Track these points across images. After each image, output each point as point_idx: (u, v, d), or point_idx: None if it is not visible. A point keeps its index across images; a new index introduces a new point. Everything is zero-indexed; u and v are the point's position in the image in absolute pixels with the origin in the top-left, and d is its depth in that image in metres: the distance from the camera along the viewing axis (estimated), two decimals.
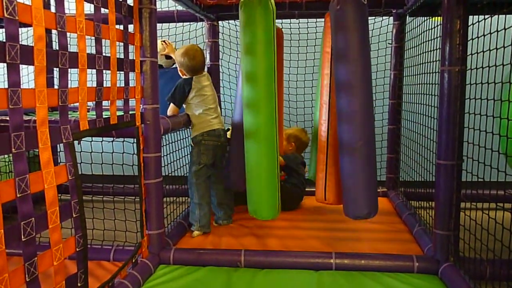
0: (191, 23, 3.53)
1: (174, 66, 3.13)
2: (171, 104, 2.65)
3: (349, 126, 2.10)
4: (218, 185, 2.79)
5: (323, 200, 2.42)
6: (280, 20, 3.22)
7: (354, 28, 2.06)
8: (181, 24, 3.58)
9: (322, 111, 2.41)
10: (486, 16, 1.83)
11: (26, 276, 1.24)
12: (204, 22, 3.35)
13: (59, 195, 1.40)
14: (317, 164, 2.45)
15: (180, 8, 3.10)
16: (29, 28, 1.29)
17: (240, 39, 2.25)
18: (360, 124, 2.09)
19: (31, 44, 1.27)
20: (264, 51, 2.18)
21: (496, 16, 1.73)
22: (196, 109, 2.63)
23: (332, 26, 2.16)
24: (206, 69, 2.80)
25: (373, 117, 2.18)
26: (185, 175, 2.99)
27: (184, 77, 2.70)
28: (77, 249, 1.52)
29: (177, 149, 2.85)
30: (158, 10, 2.17)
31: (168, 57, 3.04)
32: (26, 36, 1.64)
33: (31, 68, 1.26)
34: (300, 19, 3.51)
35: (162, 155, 2.24)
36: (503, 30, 1.62)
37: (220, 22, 3.38)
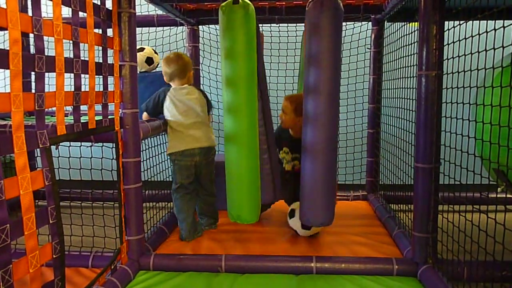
0: (171, 27, 3.52)
1: (154, 70, 3.12)
2: (144, 112, 2.60)
3: (313, 129, 2.13)
4: (204, 197, 2.73)
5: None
6: (260, 25, 3.23)
7: (326, 33, 2.07)
8: (161, 28, 3.56)
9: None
10: (461, 22, 1.86)
11: (1, 284, 1.21)
12: (184, 27, 3.35)
13: (37, 201, 1.37)
14: None
15: (160, 12, 3.08)
16: (5, 32, 1.26)
17: (220, 43, 2.23)
18: (323, 128, 2.11)
19: (6, 48, 1.24)
20: (245, 55, 2.14)
21: (471, 21, 1.76)
22: (171, 123, 2.56)
23: (306, 30, 2.18)
24: (191, 82, 2.67)
25: (337, 122, 2.23)
26: (166, 180, 2.97)
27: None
28: (54, 256, 1.49)
29: (157, 154, 2.83)
30: (137, 14, 2.16)
31: (149, 62, 3.02)
32: (2, 39, 1.62)
33: (7, 72, 1.24)
34: (280, 24, 3.53)
35: (142, 160, 2.23)
36: (478, 36, 1.65)
37: (200, 26, 3.38)
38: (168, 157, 2.64)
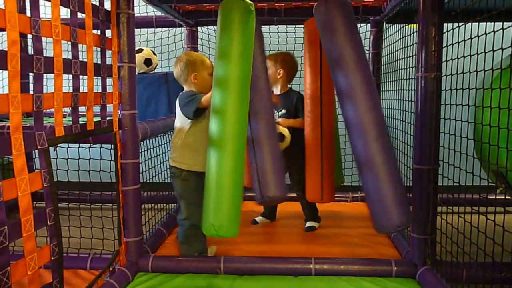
0: (170, 28, 3.52)
1: (153, 72, 3.12)
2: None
3: (361, 139, 1.92)
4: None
5: (320, 200, 2.48)
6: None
7: (348, 30, 1.97)
8: (160, 29, 3.56)
9: (309, 119, 2.43)
10: (460, 24, 1.86)
11: None
12: (183, 28, 3.34)
13: (35, 202, 1.37)
14: (307, 167, 2.47)
15: (158, 13, 3.08)
16: (3, 32, 1.26)
17: (216, 42, 2.09)
18: (373, 134, 1.90)
19: (5, 49, 1.24)
20: (240, 56, 1.99)
21: (470, 23, 1.76)
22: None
23: (321, 30, 2.06)
24: None
25: (384, 123, 1.99)
26: (164, 181, 2.97)
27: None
28: (52, 258, 1.48)
29: (155, 155, 2.83)
30: (136, 15, 2.16)
31: (148, 63, 3.02)
32: (0, 40, 1.62)
33: (5, 73, 1.24)
34: (279, 25, 3.53)
35: (140, 161, 2.22)
36: (477, 37, 1.65)
37: (199, 27, 3.37)
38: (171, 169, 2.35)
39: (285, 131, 2.54)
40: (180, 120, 2.28)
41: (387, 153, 1.88)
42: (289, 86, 2.81)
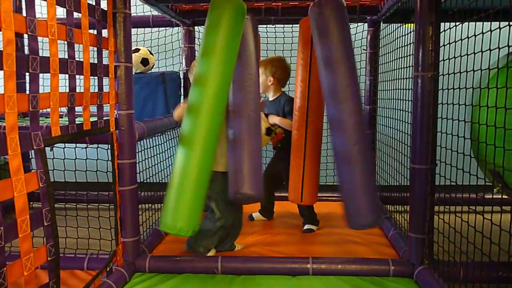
0: (167, 28, 3.51)
1: (150, 71, 3.11)
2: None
3: (343, 134, 1.96)
4: None
5: (299, 201, 2.44)
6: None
7: (339, 32, 2.01)
8: (156, 29, 3.55)
9: (296, 117, 2.43)
10: (457, 23, 1.86)
11: None
12: (180, 27, 3.34)
13: (31, 203, 1.36)
14: (291, 167, 2.46)
15: (155, 13, 3.08)
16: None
17: (202, 40, 2.06)
18: (353, 131, 1.94)
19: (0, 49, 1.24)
20: (222, 54, 1.96)
21: (467, 23, 1.76)
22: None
23: (314, 31, 2.09)
24: None
25: (365, 123, 2.14)
26: (161, 181, 2.96)
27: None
28: (49, 259, 1.48)
29: (152, 155, 2.82)
30: (133, 14, 2.15)
31: (145, 63, 3.01)
32: None
33: (1, 73, 1.23)
34: (276, 25, 3.53)
35: (137, 161, 2.21)
36: (474, 37, 1.66)
37: (196, 27, 3.37)
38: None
39: (274, 119, 2.61)
40: None
41: (365, 154, 1.94)
42: (283, 90, 2.83)
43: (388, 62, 2.95)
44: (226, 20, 1.99)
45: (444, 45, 1.94)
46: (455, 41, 1.81)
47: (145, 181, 2.65)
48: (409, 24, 2.44)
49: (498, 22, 1.54)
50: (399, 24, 2.71)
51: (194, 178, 1.89)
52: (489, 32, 1.54)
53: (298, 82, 2.44)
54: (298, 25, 3.47)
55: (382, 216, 1.97)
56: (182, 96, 3.27)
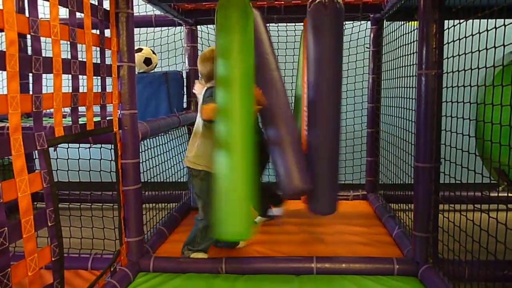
0: (170, 27, 3.50)
1: (153, 71, 3.11)
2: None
3: (316, 131, 2.22)
4: None
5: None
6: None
7: (328, 34, 2.08)
8: (159, 28, 3.55)
9: (304, 118, 2.42)
10: (461, 21, 1.85)
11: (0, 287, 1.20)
12: (182, 27, 3.33)
13: (35, 203, 1.36)
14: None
15: (158, 12, 3.07)
16: (2, 33, 1.25)
17: (216, 42, 2.03)
18: (326, 126, 2.20)
19: (3, 49, 1.23)
20: (241, 54, 1.95)
21: (471, 20, 1.75)
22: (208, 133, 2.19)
23: (308, 30, 2.17)
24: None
25: (339, 121, 2.27)
26: (165, 181, 2.96)
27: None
28: (53, 259, 1.48)
29: (156, 154, 2.82)
30: (135, 14, 2.15)
31: (147, 62, 3.01)
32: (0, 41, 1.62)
33: (5, 73, 1.23)
34: (279, 24, 3.52)
35: (141, 161, 2.21)
36: (478, 34, 1.65)
37: (198, 26, 3.36)
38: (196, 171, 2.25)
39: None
40: (198, 120, 2.23)
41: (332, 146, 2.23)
42: None
43: (391, 61, 2.94)
44: (238, 19, 1.98)
45: (448, 43, 1.93)
46: (459, 39, 1.80)
47: (148, 180, 2.65)
48: (413, 22, 2.43)
49: (502, 19, 1.53)
50: (402, 22, 2.70)
51: (238, 184, 1.87)
52: (494, 30, 1.52)
53: (304, 80, 2.44)
54: (301, 24, 3.49)
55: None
56: (185, 95, 3.27)
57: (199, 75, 2.37)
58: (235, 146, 1.88)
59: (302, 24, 3.46)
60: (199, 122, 2.24)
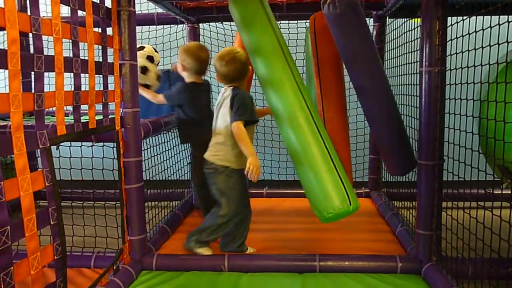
0: (172, 25, 3.50)
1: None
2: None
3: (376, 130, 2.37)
4: None
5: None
6: None
7: (362, 31, 2.11)
8: (161, 26, 3.55)
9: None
10: (465, 17, 1.84)
11: (2, 286, 1.20)
12: (184, 25, 3.33)
13: (38, 201, 1.36)
14: None
15: (160, 10, 3.07)
16: (4, 32, 1.25)
17: (246, 40, 2.20)
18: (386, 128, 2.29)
19: (4, 48, 1.23)
20: (282, 48, 2.13)
21: (474, 17, 1.74)
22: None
23: (335, 31, 2.16)
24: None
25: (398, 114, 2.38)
26: (167, 179, 2.96)
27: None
28: (56, 257, 1.48)
29: (158, 152, 2.82)
30: (137, 12, 2.15)
31: (149, 60, 2.99)
32: (2, 39, 1.61)
33: (7, 72, 1.23)
34: (281, 21, 3.50)
35: (143, 159, 2.21)
36: (481, 31, 1.64)
37: (201, 24, 3.36)
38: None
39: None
40: (228, 120, 2.23)
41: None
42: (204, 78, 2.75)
43: (394, 58, 2.93)
44: (260, 14, 2.06)
45: (451, 40, 1.92)
46: (463, 36, 1.79)
47: (151, 178, 2.65)
48: (416, 19, 2.42)
49: (506, 16, 1.52)
50: (405, 19, 2.69)
51: (322, 158, 1.99)
52: (498, 26, 1.52)
53: (317, 81, 2.43)
54: (303, 21, 3.48)
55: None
56: None
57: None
58: (298, 120, 2.01)
59: (304, 21, 3.47)
60: (223, 121, 2.25)
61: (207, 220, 2.32)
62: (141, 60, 2.61)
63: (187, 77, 2.63)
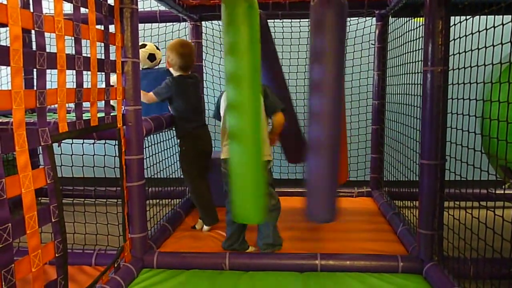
0: (174, 23, 3.50)
1: (157, 67, 3.10)
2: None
3: (318, 126, 2.02)
4: None
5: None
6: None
7: (330, 29, 2.05)
8: (163, 24, 3.54)
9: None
10: (468, 17, 1.84)
11: (3, 283, 1.20)
12: (187, 23, 3.33)
13: (39, 198, 1.36)
14: None
15: (162, 8, 3.07)
16: (7, 28, 1.25)
17: (223, 38, 2.18)
18: (328, 124, 2.01)
19: (7, 45, 1.23)
20: (248, 50, 2.03)
21: (478, 16, 1.73)
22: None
23: (310, 25, 2.15)
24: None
25: (341, 119, 2.14)
26: (169, 177, 2.96)
27: None
28: (57, 255, 1.48)
29: (160, 150, 2.82)
30: (140, 10, 2.14)
31: (151, 58, 3.00)
32: (5, 36, 1.62)
33: (9, 69, 1.23)
34: (283, 20, 3.50)
35: (145, 157, 2.21)
36: (485, 31, 1.63)
37: (203, 22, 3.35)
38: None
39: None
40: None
41: (335, 147, 2.01)
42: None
43: (397, 57, 2.93)
44: (242, 16, 2.02)
45: (454, 39, 1.91)
46: (466, 35, 1.78)
47: (152, 176, 2.65)
48: (418, 18, 2.42)
49: (510, 16, 1.51)
50: (408, 18, 2.68)
51: (252, 173, 2.00)
52: (501, 26, 1.51)
53: None
54: (306, 20, 3.47)
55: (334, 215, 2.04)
56: None
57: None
58: (246, 137, 2.00)
59: (307, 20, 3.46)
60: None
61: (266, 225, 2.35)
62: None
63: (174, 73, 2.76)
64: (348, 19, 3.48)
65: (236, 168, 2.07)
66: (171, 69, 2.75)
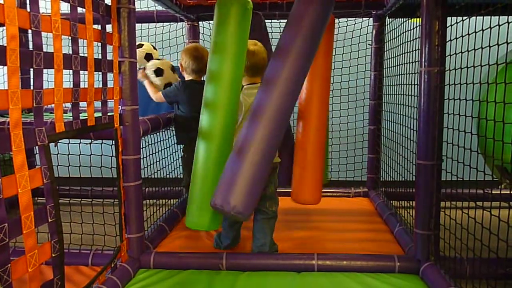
0: (171, 23, 3.50)
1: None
2: None
3: (255, 124, 1.93)
4: None
5: (302, 200, 2.44)
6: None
7: (300, 24, 2.06)
8: (160, 24, 3.54)
9: (299, 114, 2.43)
10: (464, 18, 1.84)
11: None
12: (184, 23, 3.33)
13: (36, 198, 1.36)
14: (294, 164, 2.45)
15: (159, 8, 3.06)
16: (4, 28, 1.25)
17: (211, 37, 2.16)
18: (266, 123, 1.92)
19: (3, 44, 1.23)
20: (234, 51, 2.06)
21: (474, 17, 1.74)
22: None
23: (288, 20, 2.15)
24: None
25: (287, 118, 2.02)
26: (165, 177, 2.96)
27: None
28: (53, 255, 1.47)
29: (157, 150, 2.82)
30: (137, 10, 2.14)
31: (148, 58, 2.99)
32: (1, 35, 1.62)
33: (6, 68, 1.23)
34: (280, 20, 3.50)
35: (142, 157, 2.21)
36: (481, 31, 1.64)
37: (200, 22, 3.35)
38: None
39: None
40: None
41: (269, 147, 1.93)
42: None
43: (393, 57, 2.94)
44: (234, 17, 2.03)
45: (450, 40, 1.92)
46: (462, 36, 1.79)
47: (149, 176, 2.64)
48: (415, 19, 2.42)
49: (506, 16, 1.52)
50: (404, 19, 2.69)
51: (215, 175, 2.00)
52: (497, 27, 1.52)
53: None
54: None
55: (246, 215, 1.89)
56: None
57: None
58: (215, 136, 2.04)
59: None
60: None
61: (263, 228, 2.31)
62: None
63: (186, 76, 2.74)
64: (345, 19, 3.51)
65: (201, 169, 2.06)
66: (183, 73, 2.75)
